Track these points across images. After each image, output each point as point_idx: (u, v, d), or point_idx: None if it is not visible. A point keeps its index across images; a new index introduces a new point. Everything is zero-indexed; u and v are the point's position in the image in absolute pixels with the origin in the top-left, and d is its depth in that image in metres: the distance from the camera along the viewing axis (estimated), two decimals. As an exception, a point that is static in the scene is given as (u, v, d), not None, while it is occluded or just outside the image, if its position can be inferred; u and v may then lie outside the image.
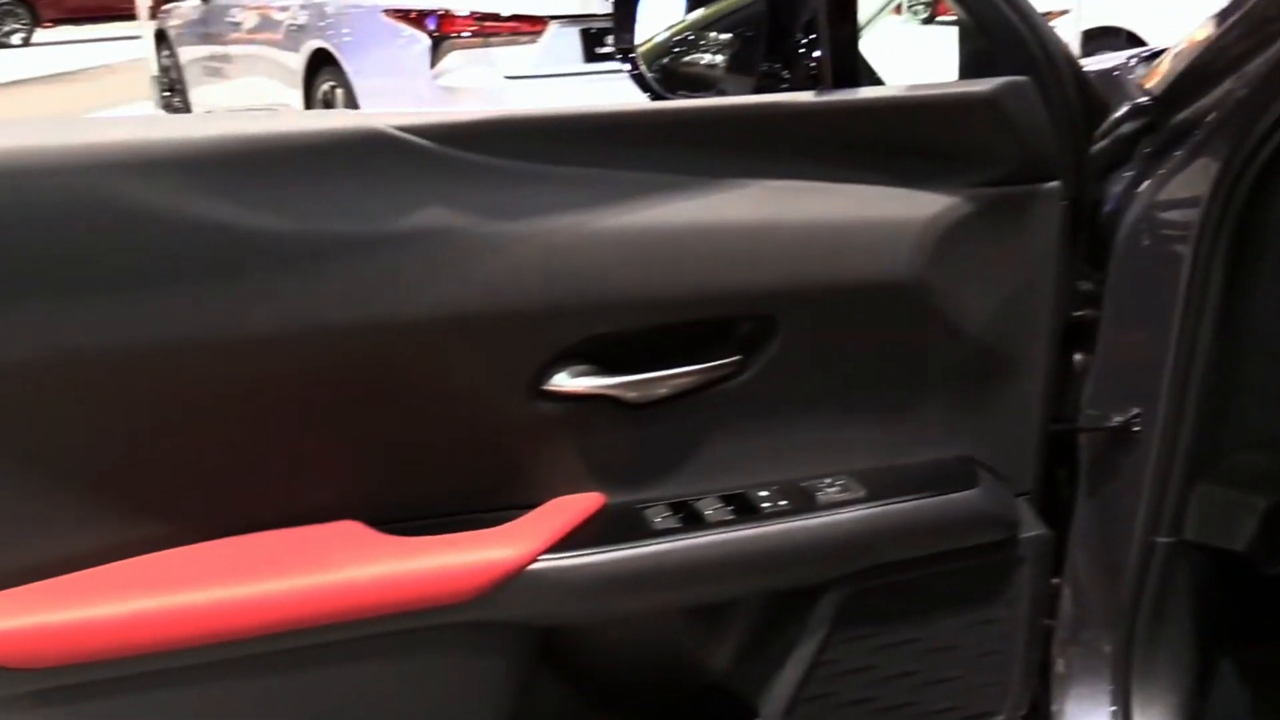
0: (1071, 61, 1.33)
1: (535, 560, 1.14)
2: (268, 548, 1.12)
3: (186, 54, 8.34)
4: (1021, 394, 1.37)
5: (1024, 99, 1.24)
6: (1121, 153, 1.48)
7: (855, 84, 1.33)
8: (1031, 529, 1.37)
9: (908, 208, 1.23)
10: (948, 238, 1.24)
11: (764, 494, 1.25)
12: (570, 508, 1.21)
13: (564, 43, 5.42)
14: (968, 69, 1.36)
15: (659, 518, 1.21)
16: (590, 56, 5.45)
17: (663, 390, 1.21)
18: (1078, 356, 1.46)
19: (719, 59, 1.57)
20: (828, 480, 1.27)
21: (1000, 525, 1.33)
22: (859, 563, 1.26)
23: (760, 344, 1.23)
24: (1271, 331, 1.50)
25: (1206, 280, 1.45)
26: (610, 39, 5.11)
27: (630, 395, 1.20)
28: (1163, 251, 1.50)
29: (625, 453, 1.24)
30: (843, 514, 1.23)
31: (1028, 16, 1.27)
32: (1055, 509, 1.47)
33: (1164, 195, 1.47)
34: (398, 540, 1.14)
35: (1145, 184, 1.48)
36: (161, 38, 9.07)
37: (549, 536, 1.16)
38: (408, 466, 1.18)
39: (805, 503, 1.24)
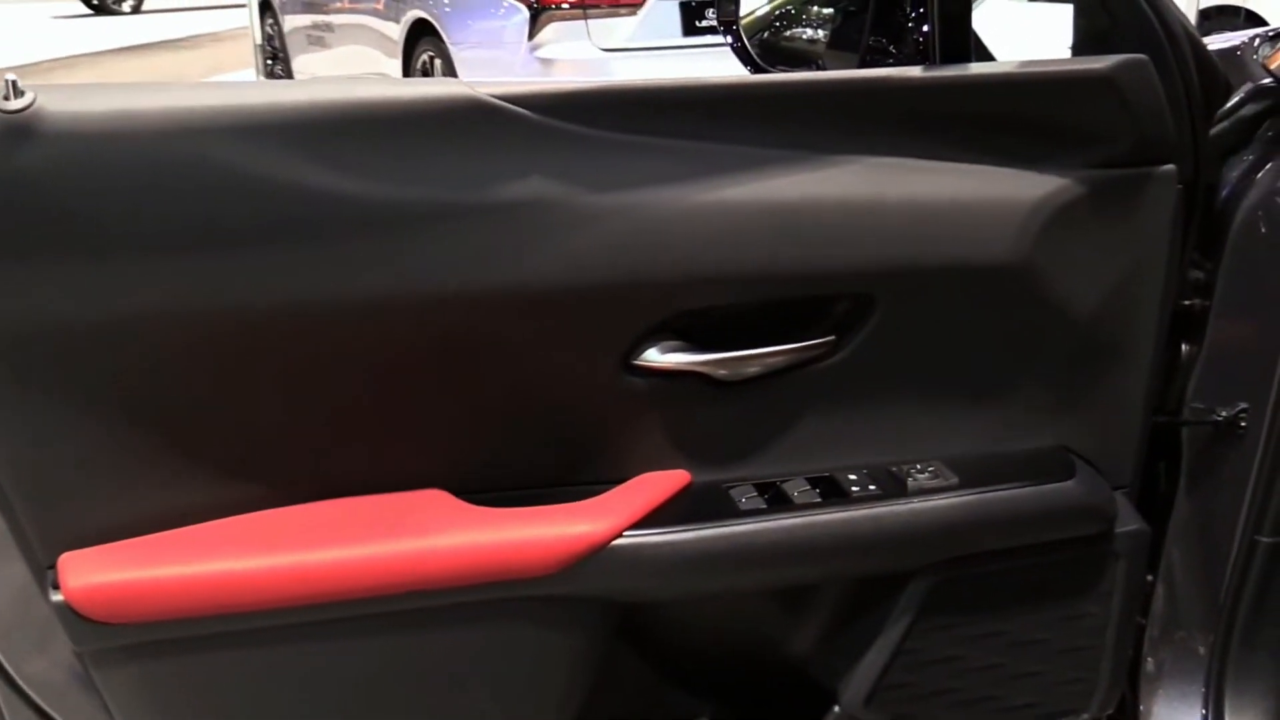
0: (1194, 39, 1.28)
1: (619, 536, 1.14)
2: (356, 514, 1.13)
3: (290, 22, 8.44)
4: (1125, 384, 1.33)
5: (1142, 78, 1.19)
6: (1242, 136, 1.43)
7: (966, 59, 1.29)
8: (1129, 524, 1.33)
9: (1016, 188, 1.20)
10: (1056, 220, 1.20)
11: (853, 477, 1.23)
12: (656, 484, 1.20)
13: (663, 15, 5.37)
14: (1083, 45, 1.32)
15: (745, 498, 1.20)
16: (689, 30, 5.40)
17: (754, 368, 1.20)
18: (1184, 347, 1.42)
19: (823, 33, 1.54)
20: (919, 466, 1.25)
21: (1096, 519, 1.29)
22: (948, 551, 1.24)
23: (856, 324, 1.21)
24: None
25: None
26: (712, 11, 5.07)
27: (720, 373, 1.19)
28: None
29: (713, 431, 1.22)
30: (933, 501, 1.21)
31: None
32: (1153, 503, 1.43)
33: None
34: (483, 511, 1.14)
35: (1266, 169, 1.43)
36: (266, 6, 9.20)
37: (634, 513, 1.15)
38: (497, 438, 1.18)
39: (895, 488, 1.22)
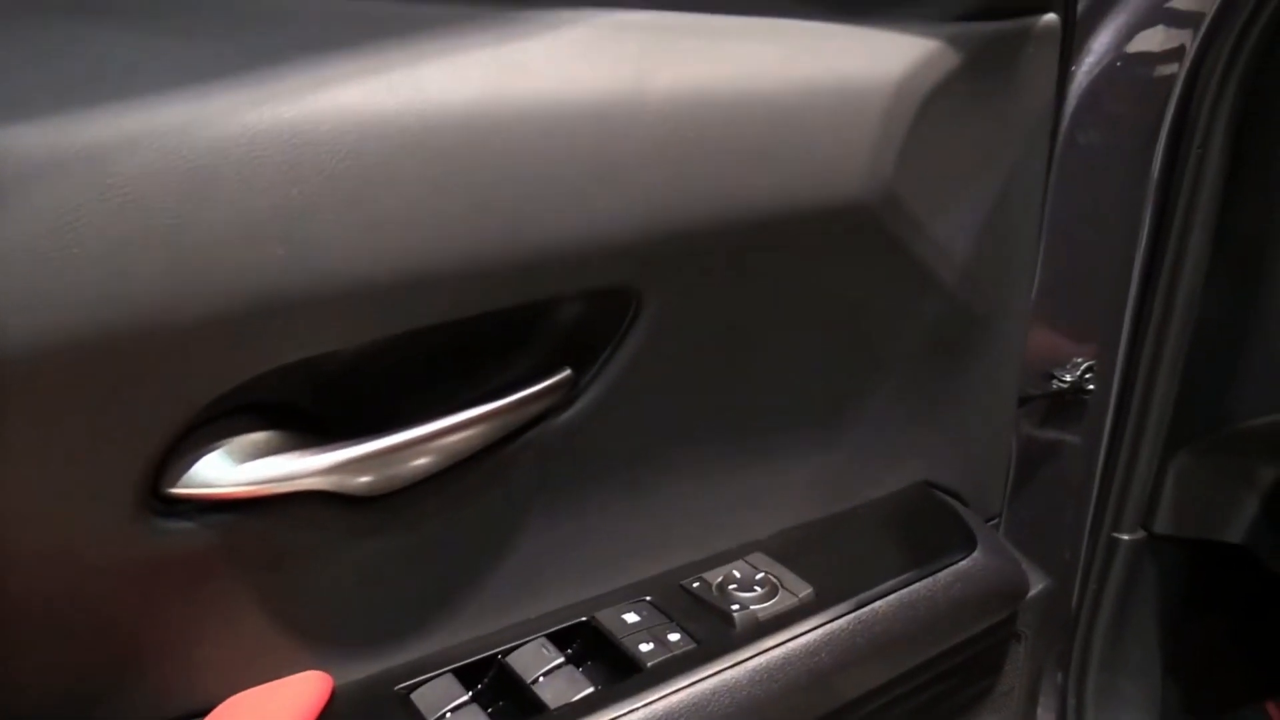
0: None
1: None
2: None
3: None
4: (997, 368, 0.85)
5: None
6: None
7: None
8: (1035, 584, 0.85)
9: (863, 60, 0.66)
10: (924, 111, 0.68)
11: (633, 619, 0.67)
12: (267, 712, 0.58)
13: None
14: None
15: (447, 710, 0.61)
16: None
17: (423, 459, 0.60)
18: None
19: None
20: (738, 573, 0.70)
21: (1008, 597, 0.80)
22: (812, 714, 0.70)
23: (609, 341, 0.64)
24: None
25: (1199, 169, 0.98)
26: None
27: (359, 480, 0.58)
28: (1131, 125, 1.02)
29: (362, 586, 0.62)
30: (783, 646, 0.67)
31: None
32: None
33: (1140, 32, 0.99)
34: None
35: (1107, 21, 1.01)
36: None
37: None
38: None
39: (715, 632, 0.66)
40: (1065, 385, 1.12)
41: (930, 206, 0.71)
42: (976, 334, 0.81)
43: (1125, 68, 0.99)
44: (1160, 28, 0.98)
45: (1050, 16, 0.75)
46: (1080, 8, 1.04)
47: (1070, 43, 0.80)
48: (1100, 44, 1.02)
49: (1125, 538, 1.15)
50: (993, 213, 0.76)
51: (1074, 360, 1.12)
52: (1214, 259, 1.04)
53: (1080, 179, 1.05)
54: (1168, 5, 0.97)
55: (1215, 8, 0.94)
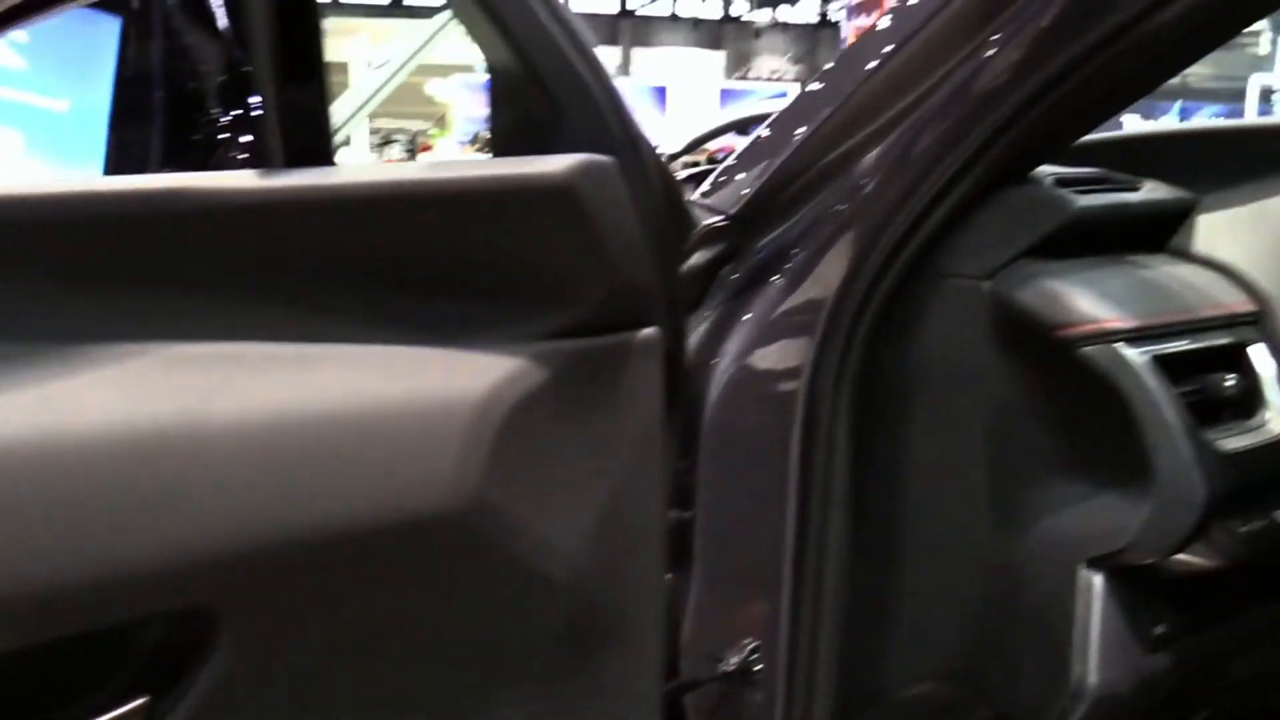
0: (651, 145, 0.88)
1: None
2: None
3: None
4: (635, 657, 0.87)
5: (610, 191, 0.75)
6: (699, 289, 1.10)
7: (328, 160, 0.78)
8: None
9: (444, 381, 0.69)
10: (513, 426, 0.72)
11: None
12: None
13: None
14: (505, 144, 0.87)
15: None
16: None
17: None
18: (669, 577, 1.02)
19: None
20: None
21: None
22: None
23: (190, 664, 0.63)
24: (931, 517, 1.12)
25: (830, 454, 1.06)
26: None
27: None
28: (766, 422, 1.10)
29: None
30: None
31: (595, 64, 0.80)
32: None
33: (762, 346, 1.07)
34: None
35: (735, 331, 1.09)
36: None
37: None
38: None
39: None
40: (732, 668, 1.14)
41: (534, 513, 0.74)
42: (606, 629, 0.83)
43: (752, 379, 1.07)
44: (780, 343, 1.06)
45: (650, 330, 0.81)
46: (715, 315, 1.13)
47: (680, 351, 0.86)
48: (731, 350, 1.10)
49: None
50: (607, 514, 0.79)
51: (740, 642, 1.15)
52: (855, 543, 1.11)
53: (732, 464, 1.11)
54: (782, 321, 1.06)
55: (823, 322, 1.03)
